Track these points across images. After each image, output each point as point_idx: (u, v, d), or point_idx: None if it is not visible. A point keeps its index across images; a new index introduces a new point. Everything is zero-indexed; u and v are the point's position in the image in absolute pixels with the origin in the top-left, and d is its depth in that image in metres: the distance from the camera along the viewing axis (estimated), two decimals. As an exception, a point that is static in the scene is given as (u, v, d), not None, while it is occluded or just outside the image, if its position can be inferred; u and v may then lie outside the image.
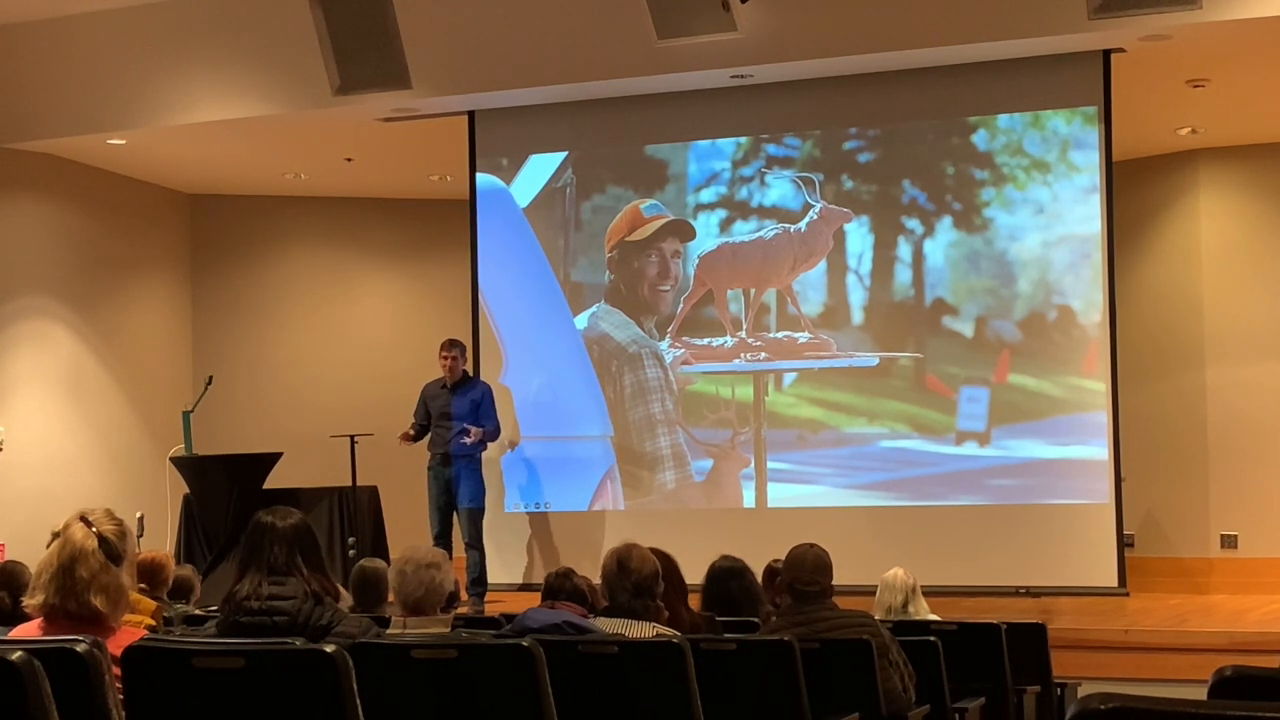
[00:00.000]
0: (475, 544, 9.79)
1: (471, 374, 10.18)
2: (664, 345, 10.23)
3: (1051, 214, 9.55)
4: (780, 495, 9.99)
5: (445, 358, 9.92)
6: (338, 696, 3.39)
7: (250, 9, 10.21)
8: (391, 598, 4.80)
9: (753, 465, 10.06)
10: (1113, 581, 9.23)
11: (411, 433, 10.03)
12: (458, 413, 9.83)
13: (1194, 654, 7.62)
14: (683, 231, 10.27)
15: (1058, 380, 9.56)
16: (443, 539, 9.69)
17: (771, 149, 10.15)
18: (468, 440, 9.72)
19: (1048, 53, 9.17)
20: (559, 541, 10.36)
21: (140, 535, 10.86)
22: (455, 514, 9.92)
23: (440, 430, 9.89)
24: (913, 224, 9.88)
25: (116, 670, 3.34)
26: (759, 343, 10.07)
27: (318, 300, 13.05)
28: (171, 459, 11.00)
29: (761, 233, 10.11)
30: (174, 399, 11.90)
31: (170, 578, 6.86)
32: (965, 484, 9.68)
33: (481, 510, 9.90)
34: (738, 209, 10.21)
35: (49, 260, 11.25)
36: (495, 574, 10.02)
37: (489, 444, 9.99)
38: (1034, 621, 6.87)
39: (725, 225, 10.22)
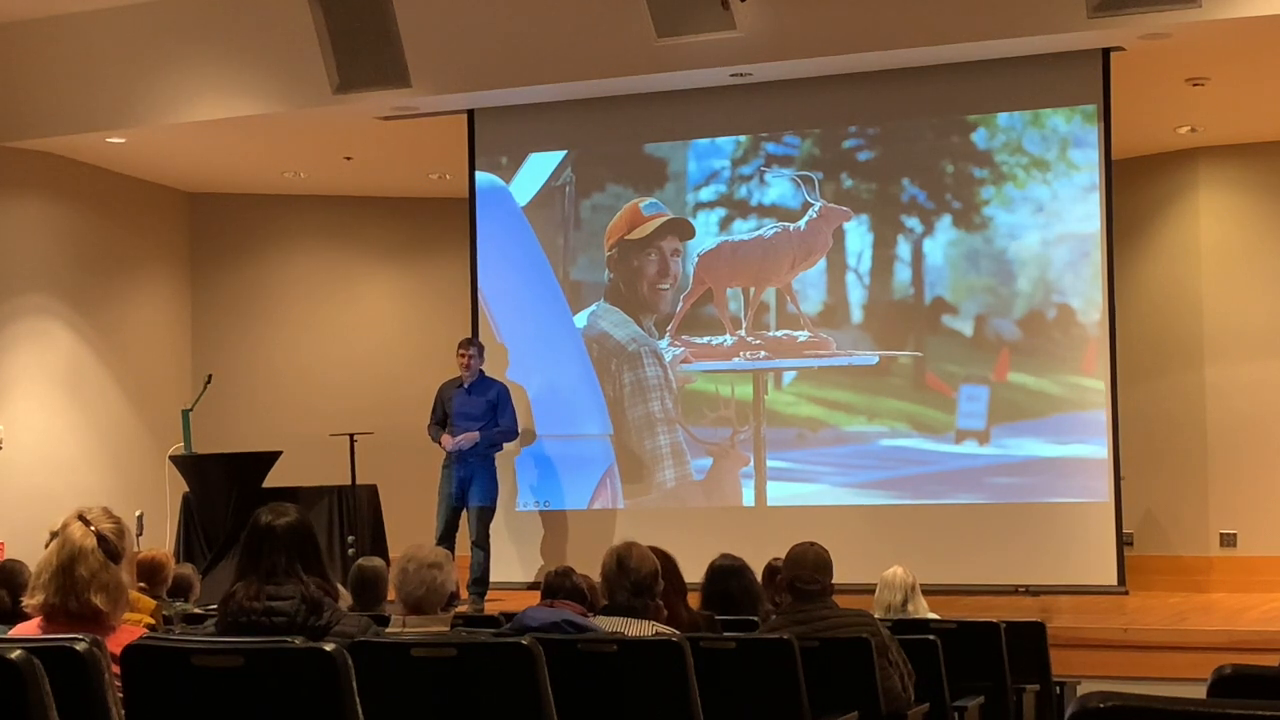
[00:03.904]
0: (481, 543, 9.78)
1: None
2: (663, 344, 10.23)
3: (1051, 212, 9.55)
4: (780, 494, 9.99)
5: (463, 356, 9.89)
6: (337, 695, 3.39)
7: (250, 7, 10.20)
8: (392, 595, 4.80)
9: (752, 464, 10.06)
10: (1112, 580, 9.23)
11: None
12: (473, 412, 9.82)
13: (1193, 652, 7.62)
14: (682, 230, 10.27)
15: (1057, 379, 9.56)
16: (447, 539, 9.68)
17: (771, 147, 10.15)
18: (464, 445, 9.71)
19: (1047, 51, 9.17)
20: (558, 540, 10.36)
21: (140, 534, 10.87)
22: (464, 513, 9.90)
23: (457, 430, 9.85)
24: (912, 222, 9.88)
25: (116, 669, 3.34)
26: (758, 341, 10.07)
27: (317, 299, 13.05)
28: (171, 457, 11.01)
29: (761, 231, 10.11)
30: (173, 397, 11.91)
31: (170, 576, 6.87)
32: (965, 482, 9.67)
33: (492, 510, 9.88)
34: (737, 207, 10.21)
35: (48, 259, 11.25)
36: (498, 572, 10.01)
37: (504, 444, 9.98)
38: (1033, 620, 6.87)
39: (725, 224, 10.22)
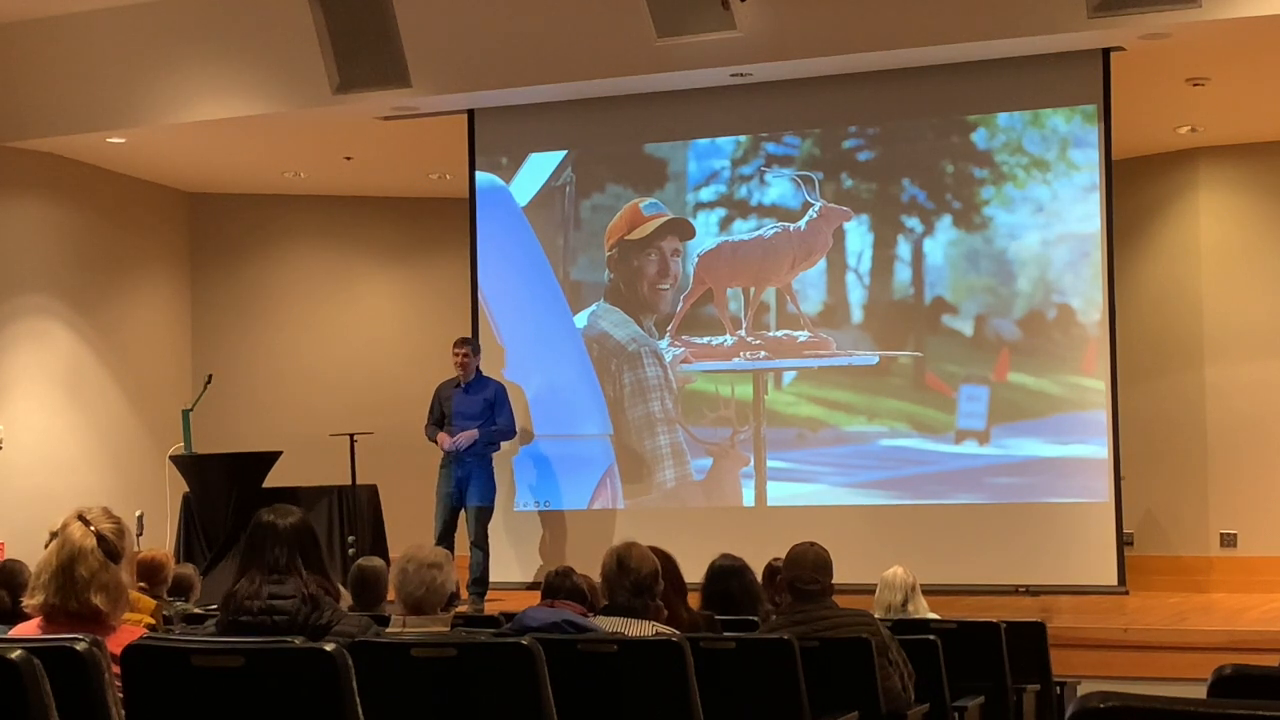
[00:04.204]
0: (480, 544, 9.78)
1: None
2: (663, 344, 10.23)
3: (1051, 212, 9.55)
4: (780, 494, 9.99)
5: (458, 355, 9.89)
6: (337, 695, 3.39)
7: (250, 7, 10.20)
8: (392, 596, 4.80)
9: (752, 464, 10.06)
10: (1112, 580, 9.23)
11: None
12: (471, 411, 9.81)
13: (1193, 652, 7.62)
14: (682, 230, 10.27)
15: (1057, 379, 9.56)
16: (445, 539, 9.68)
17: (771, 147, 10.15)
18: (463, 444, 9.71)
19: (1047, 51, 9.17)
20: (558, 540, 10.36)
21: (140, 534, 10.87)
22: (463, 513, 9.90)
23: (455, 429, 9.84)
24: (912, 222, 9.88)
25: (116, 669, 3.34)
26: (758, 341, 10.07)
27: (317, 299, 13.05)
28: (171, 457, 11.00)
29: (761, 231, 10.11)
30: (173, 397, 11.90)
31: (170, 576, 6.86)
32: (965, 482, 9.67)
33: (490, 509, 9.88)
34: (737, 207, 10.21)
35: (49, 259, 11.25)
36: (497, 572, 10.01)
37: (502, 443, 9.98)
38: (1033, 620, 6.87)
39: (725, 224, 10.22)
